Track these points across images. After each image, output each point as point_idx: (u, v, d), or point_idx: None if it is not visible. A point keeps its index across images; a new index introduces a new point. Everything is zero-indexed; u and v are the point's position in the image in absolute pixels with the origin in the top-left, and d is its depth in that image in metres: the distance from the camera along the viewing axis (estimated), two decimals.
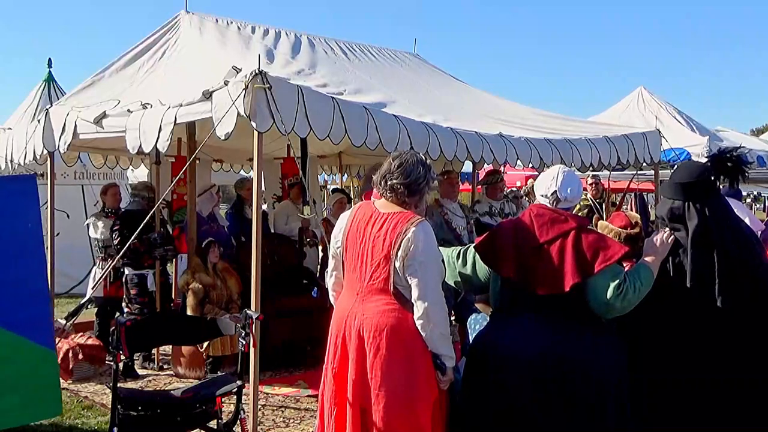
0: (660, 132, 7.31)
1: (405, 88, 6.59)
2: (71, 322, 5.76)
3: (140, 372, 6.33)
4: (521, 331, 3.03)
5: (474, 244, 3.29)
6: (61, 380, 5.92)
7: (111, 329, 3.80)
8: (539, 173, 4.31)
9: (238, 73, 4.43)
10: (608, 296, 2.90)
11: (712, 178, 3.16)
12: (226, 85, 4.39)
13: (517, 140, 5.84)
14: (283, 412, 5.28)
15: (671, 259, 3.07)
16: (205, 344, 5.87)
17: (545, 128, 6.62)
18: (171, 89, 5.20)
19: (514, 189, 7.83)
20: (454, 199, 6.67)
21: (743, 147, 3.46)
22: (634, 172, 8.10)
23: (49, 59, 11.24)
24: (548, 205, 3.16)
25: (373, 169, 3.21)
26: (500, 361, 3.03)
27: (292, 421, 5.09)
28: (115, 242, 6.36)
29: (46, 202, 6.24)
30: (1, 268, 4.15)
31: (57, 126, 5.68)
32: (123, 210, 6.85)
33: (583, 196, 8.99)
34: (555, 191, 3.15)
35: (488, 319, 3.43)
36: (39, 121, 5.98)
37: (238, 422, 3.97)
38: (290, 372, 6.31)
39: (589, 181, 9.22)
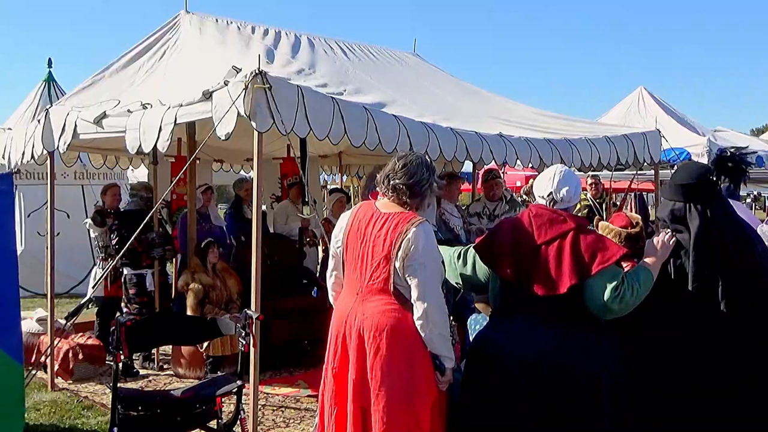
0: (660, 132, 7.31)
1: (405, 87, 6.58)
2: (71, 322, 5.76)
3: (140, 372, 6.33)
4: (521, 331, 3.02)
5: (474, 244, 3.29)
6: (61, 380, 5.97)
7: (111, 329, 3.80)
8: (539, 173, 4.31)
9: (238, 73, 4.43)
10: (605, 298, 2.89)
11: (713, 178, 3.15)
12: (226, 85, 4.38)
13: (517, 140, 5.83)
14: (283, 412, 5.28)
15: (672, 261, 3.06)
16: (205, 344, 5.87)
17: (545, 128, 6.61)
18: (171, 89, 5.20)
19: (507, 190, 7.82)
20: (453, 201, 6.66)
21: (747, 147, 3.44)
22: (635, 172, 8.10)
23: (49, 59, 11.26)
24: (546, 205, 3.16)
25: (378, 169, 3.22)
26: (499, 361, 3.02)
27: (292, 421, 5.09)
28: (114, 242, 6.36)
29: (46, 202, 6.25)
30: None
31: (57, 126, 5.67)
32: (122, 210, 6.85)
33: (583, 196, 9.00)
34: (551, 192, 3.15)
35: (488, 319, 3.43)
36: (39, 121, 5.98)
37: (238, 422, 3.98)
38: (290, 372, 6.31)
39: (589, 181, 9.22)
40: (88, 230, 7.15)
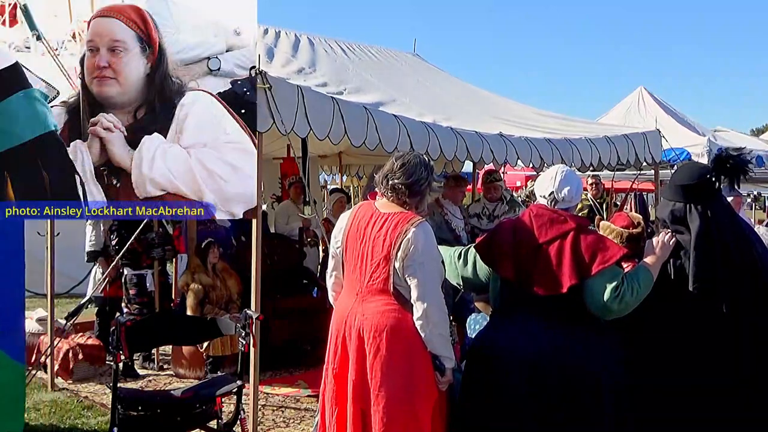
0: (660, 132, 7.31)
1: (405, 87, 6.58)
2: (71, 322, 5.75)
3: (140, 372, 6.33)
4: (521, 331, 3.02)
5: (474, 244, 3.29)
6: (61, 380, 5.97)
7: (111, 329, 3.80)
8: (539, 173, 4.31)
9: None
10: (605, 298, 2.89)
11: (713, 179, 3.15)
12: None
13: (517, 140, 5.83)
14: (283, 412, 5.28)
15: (672, 262, 3.06)
16: (205, 344, 5.87)
17: (545, 128, 6.62)
18: None
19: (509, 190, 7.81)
20: (457, 203, 6.64)
21: (745, 147, 3.44)
22: (636, 172, 8.10)
23: None
24: (547, 205, 3.16)
25: (378, 169, 3.22)
26: (500, 361, 3.02)
27: (292, 421, 5.09)
28: (114, 243, 6.36)
29: None
30: None
31: None
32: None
33: (584, 196, 8.98)
34: (552, 192, 3.14)
35: (488, 318, 3.43)
36: None
37: (238, 422, 3.97)
38: (290, 372, 6.31)
39: (590, 181, 9.22)
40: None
